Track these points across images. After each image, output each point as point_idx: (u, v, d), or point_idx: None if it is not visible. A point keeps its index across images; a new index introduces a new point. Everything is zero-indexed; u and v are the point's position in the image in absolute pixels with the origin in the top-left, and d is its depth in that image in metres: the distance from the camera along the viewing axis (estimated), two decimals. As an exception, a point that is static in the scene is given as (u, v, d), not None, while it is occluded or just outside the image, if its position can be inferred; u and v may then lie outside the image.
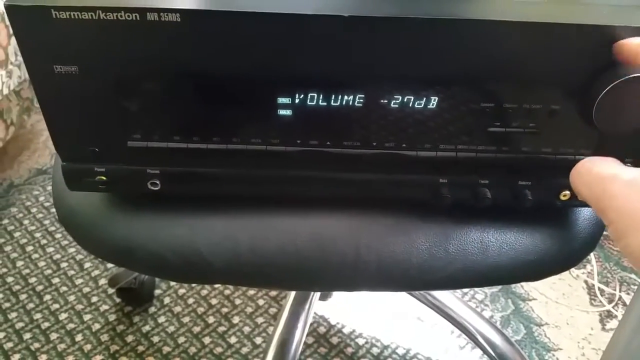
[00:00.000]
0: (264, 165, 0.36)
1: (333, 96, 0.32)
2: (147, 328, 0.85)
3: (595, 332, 0.89)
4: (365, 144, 0.35)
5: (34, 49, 0.30)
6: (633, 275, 1.00)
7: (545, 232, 0.40)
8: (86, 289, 0.90)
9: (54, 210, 1.03)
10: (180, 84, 0.32)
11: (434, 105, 0.33)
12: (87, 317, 0.86)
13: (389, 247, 0.38)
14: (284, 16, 0.29)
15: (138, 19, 0.29)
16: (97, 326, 0.85)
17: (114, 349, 0.82)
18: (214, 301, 0.90)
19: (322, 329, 0.87)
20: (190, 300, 0.90)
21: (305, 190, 0.37)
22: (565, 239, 0.40)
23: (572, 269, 1.00)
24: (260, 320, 0.87)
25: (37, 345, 0.81)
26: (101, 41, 0.30)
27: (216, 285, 0.92)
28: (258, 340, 0.84)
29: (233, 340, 0.84)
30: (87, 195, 0.40)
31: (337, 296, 0.92)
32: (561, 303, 0.94)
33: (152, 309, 0.88)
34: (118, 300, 0.89)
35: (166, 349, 0.82)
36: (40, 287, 0.90)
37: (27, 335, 0.83)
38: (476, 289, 0.96)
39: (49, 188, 1.12)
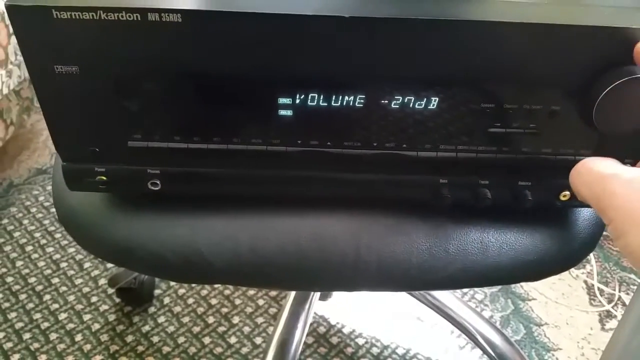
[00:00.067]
0: (265, 166, 0.36)
1: (333, 96, 0.32)
2: (146, 328, 0.85)
3: (594, 332, 0.89)
4: (365, 144, 0.35)
5: (35, 49, 0.30)
6: (632, 275, 1.00)
7: (545, 232, 0.40)
8: (86, 289, 0.90)
9: (53, 210, 1.03)
10: (181, 84, 0.32)
11: (435, 106, 0.33)
12: (86, 317, 0.86)
13: (389, 247, 0.38)
14: (285, 17, 0.29)
15: (139, 19, 0.29)
16: (96, 326, 0.85)
17: (114, 349, 0.82)
18: (213, 301, 0.90)
19: (322, 329, 0.87)
20: (190, 300, 0.90)
21: (305, 191, 0.37)
22: (565, 239, 0.40)
23: (572, 269, 1.00)
24: (260, 320, 0.87)
25: (36, 345, 0.81)
26: (102, 41, 0.30)
27: (216, 286, 0.92)
28: (258, 340, 0.84)
29: (233, 340, 0.84)
30: (87, 195, 0.40)
31: (337, 296, 0.92)
32: (561, 303, 0.94)
33: (152, 309, 0.88)
34: (118, 300, 0.89)
35: (166, 349, 0.82)
36: (39, 287, 0.90)
37: (26, 335, 0.83)
38: (476, 289, 0.96)
39: (49, 188, 1.12)
